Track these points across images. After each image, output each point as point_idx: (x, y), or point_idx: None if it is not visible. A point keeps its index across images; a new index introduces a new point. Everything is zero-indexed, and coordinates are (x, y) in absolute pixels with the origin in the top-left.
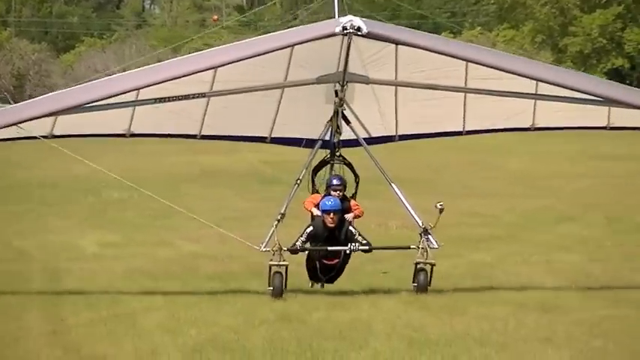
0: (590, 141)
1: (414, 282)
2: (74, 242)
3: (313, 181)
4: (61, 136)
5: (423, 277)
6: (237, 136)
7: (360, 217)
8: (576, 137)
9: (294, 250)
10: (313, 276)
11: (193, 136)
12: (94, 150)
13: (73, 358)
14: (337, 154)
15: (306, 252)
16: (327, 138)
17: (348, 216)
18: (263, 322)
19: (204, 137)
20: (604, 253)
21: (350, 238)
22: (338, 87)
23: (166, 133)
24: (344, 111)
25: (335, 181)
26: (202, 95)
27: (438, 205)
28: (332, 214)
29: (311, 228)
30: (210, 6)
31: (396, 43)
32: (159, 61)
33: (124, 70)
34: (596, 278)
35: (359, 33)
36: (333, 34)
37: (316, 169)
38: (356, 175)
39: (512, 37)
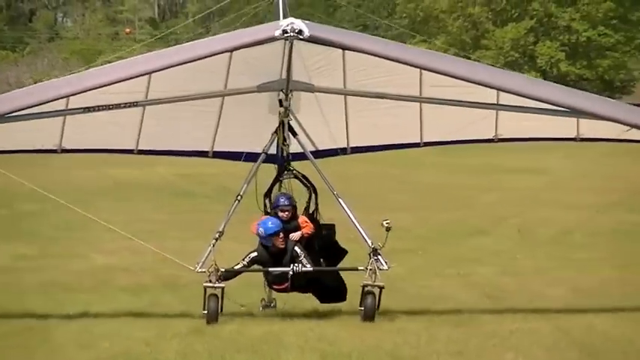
0: (494, 154)
1: (361, 306)
2: None
3: (265, 203)
4: None
5: (371, 301)
6: (177, 151)
7: (309, 234)
8: (479, 150)
9: (229, 275)
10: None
11: (130, 151)
12: (3, 161)
13: None
14: (288, 167)
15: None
16: (273, 151)
17: (295, 235)
18: (176, 335)
19: (141, 152)
20: (515, 266)
21: (295, 260)
22: (282, 96)
23: (101, 148)
24: (290, 122)
25: (282, 201)
26: (135, 104)
27: (384, 222)
28: (274, 236)
29: (255, 253)
30: (122, 19)
31: (341, 47)
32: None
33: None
34: (508, 291)
35: (300, 37)
36: (274, 38)
37: (269, 190)
38: (309, 187)
39: None
